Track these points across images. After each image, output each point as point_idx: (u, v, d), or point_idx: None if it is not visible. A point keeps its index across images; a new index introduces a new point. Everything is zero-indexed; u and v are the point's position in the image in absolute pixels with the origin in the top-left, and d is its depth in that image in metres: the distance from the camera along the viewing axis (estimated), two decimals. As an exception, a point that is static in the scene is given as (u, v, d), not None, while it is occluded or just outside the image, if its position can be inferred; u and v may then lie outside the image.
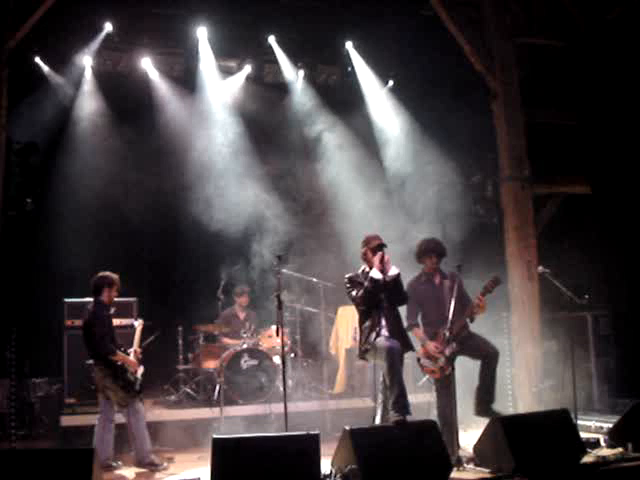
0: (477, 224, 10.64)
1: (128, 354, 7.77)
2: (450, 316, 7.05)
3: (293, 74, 11.55)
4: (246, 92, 11.45)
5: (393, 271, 7.14)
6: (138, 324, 8.26)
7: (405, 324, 7.40)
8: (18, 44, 8.67)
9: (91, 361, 7.78)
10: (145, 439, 7.48)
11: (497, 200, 10.59)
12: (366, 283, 7.06)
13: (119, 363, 7.57)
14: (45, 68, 10.40)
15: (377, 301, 7.09)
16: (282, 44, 11.13)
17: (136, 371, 7.69)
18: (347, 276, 7.32)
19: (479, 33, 10.39)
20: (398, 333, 7.11)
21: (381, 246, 7.20)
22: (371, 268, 7.15)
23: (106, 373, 7.52)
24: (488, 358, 7.13)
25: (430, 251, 7.54)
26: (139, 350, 7.96)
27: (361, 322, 7.26)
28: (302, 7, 10.53)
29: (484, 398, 7.15)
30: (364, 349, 7.10)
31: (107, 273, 7.83)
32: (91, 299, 8.12)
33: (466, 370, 7.68)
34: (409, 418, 6.66)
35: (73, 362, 8.97)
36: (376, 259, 7.11)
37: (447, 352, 7.12)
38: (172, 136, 10.75)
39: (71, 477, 5.58)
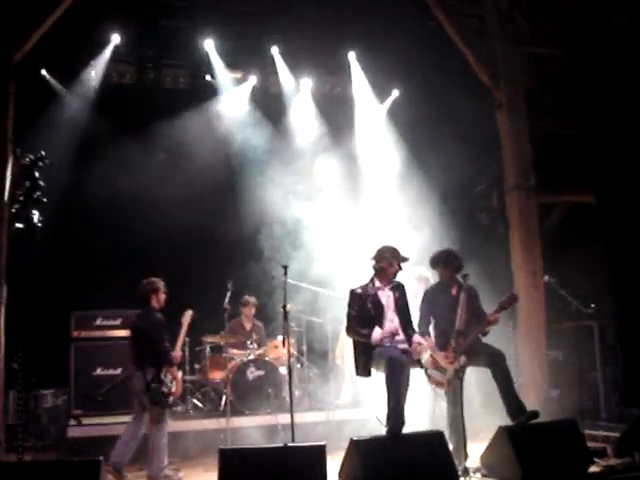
0: (482, 234, 10.64)
1: None
2: (457, 326, 7.02)
3: (298, 85, 11.62)
4: (251, 103, 11.52)
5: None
6: (185, 318, 7.96)
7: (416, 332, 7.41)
8: (25, 57, 8.72)
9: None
10: (165, 454, 7.40)
11: (502, 209, 10.59)
12: (364, 337, 7.06)
13: (162, 376, 7.41)
14: (52, 81, 10.48)
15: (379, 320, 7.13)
16: (287, 55, 11.19)
17: (175, 391, 7.53)
18: (351, 289, 7.30)
19: (483, 43, 10.42)
20: (401, 343, 7.14)
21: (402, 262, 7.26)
22: (385, 280, 7.18)
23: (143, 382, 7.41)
24: (494, 361, 7.03)
25: (443, 263, 7.48)
26: (180, 354, 7.82)
27: (358, 344, 7.25)
28: (307, 18, 10.57)
29: (511, 401, 6.96)
30: (367, 368, 7.10)
31: (150, 279, 7.78)
32: (99, 310, 8.19)
33: (482, 382, 7.64)
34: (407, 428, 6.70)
35: (80, 373, 8.99)
36: (386, 331, 7.08)
37: (456, 365, 7.07)
38: (179, 148, 10.81)
39: (78, 488, 5.61)
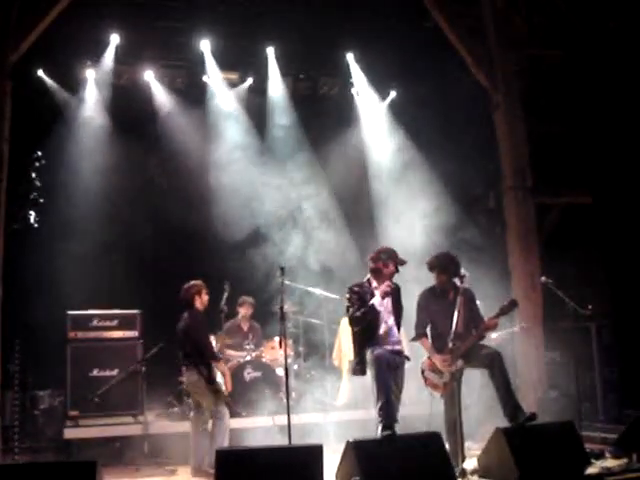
0: (480, 235, 10.64)
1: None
2: (454, 330, 6.97)
3: (295, 86, 11.62)
4: (248, 104, 11.52)
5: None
6: None
7: (413, 334, 7.38)
8: (21, 57, 8.70)
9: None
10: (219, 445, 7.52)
11: (500, 210, 10.60)
12: (366, 310, 7.03)
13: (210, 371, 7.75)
14: (48, 81, 10.46)
15: (375, 319, 7.11)
16: (284, 56, 11.17)
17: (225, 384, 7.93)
18: (349, 287, 7.29)
19: (481, 44, 10.41)
20: (394, 344, 7.15)
21: (402, 263, 7.24)
22: (381, 281, 7.17)
23: (201, 377, 7.67)
24: (492, 362, 6.99)
25: (439, 268, 7.38)
26: None
27: (357, 336, 7.24)
28: (304, 19, 10.57)
29: (508, 402, 6.91)
30: (360, 365, 7.11)
31: (191, 283, 8.05)
32: (96, 311, 8.21)
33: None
34: (400, 428, 6.72)
35: (76, 374, 8.96)
36: (383, 287, 7.10)
37: (453, 369, 7.05)
38: (175, 148, 10.80)
39: (74, 490, 5.59)
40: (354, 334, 7.27)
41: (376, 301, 7.05)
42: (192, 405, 8.04)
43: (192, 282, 8.06)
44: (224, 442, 7.58)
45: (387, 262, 7.21)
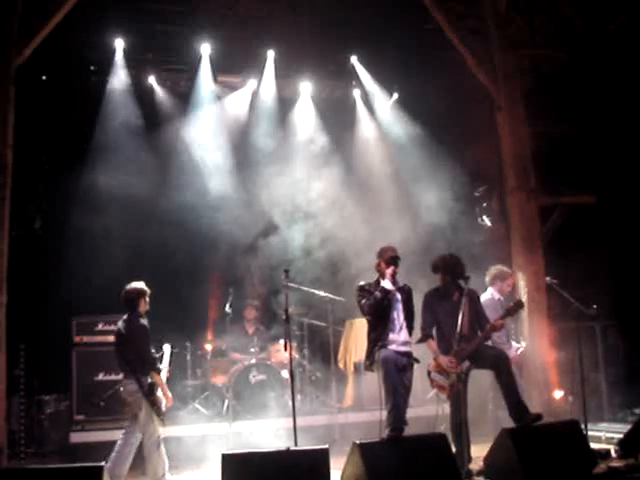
0: (483, 235, 10.64)
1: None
2: (459, 331, 6.97)
3: (298, 89, 11.64)
4: (252, 107, 11.53)
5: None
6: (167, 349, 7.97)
7: (420, 335, 7.39)
8: (25, 62, 8.71)
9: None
10: (159, 462, 7.26)
11: (503, 211, 10.59)
12: (377, 292, 7.10)
13: (153, 382, 7.27)
14: (52, 86, 10.47)
15: (385, 312, 7.13)
16: (287, 59, 11.18)
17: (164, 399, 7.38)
18: (359, 284, 7.37)
19: (482, 45, 10.39)
20: (402, 345, 7.15)
21: (395, 259, 7.24)
22: (383, 279, 7.23)
23: (138, 388, 7.18)
24: (497, 363, 6.99)
25: (443, 269, 7.40)
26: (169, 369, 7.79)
27: (369, 333, 7.30)
28: (306, 22, 10.58)
29: (514, 403, 6.92)
30: (369, 361, 7.16)
31: (136, 284, 7.51)
32: (101, 316, 8.18)
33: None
34: (406, 430, 6.74)
35: (82, 379, 8.99)
36: (388, 272, 7.15)
37: (459, 370, 7.01)
38: (180, 152, 10.81)
39: (81, 494, 5.60)
40: (368, 326, 7.36)
41: (386, 284, 7.15)
42: (129, 416, 7.35)
43: (136, 284, 7.52)
44: (162, 458, 7.24)
45: (378, 260, 7.39)
